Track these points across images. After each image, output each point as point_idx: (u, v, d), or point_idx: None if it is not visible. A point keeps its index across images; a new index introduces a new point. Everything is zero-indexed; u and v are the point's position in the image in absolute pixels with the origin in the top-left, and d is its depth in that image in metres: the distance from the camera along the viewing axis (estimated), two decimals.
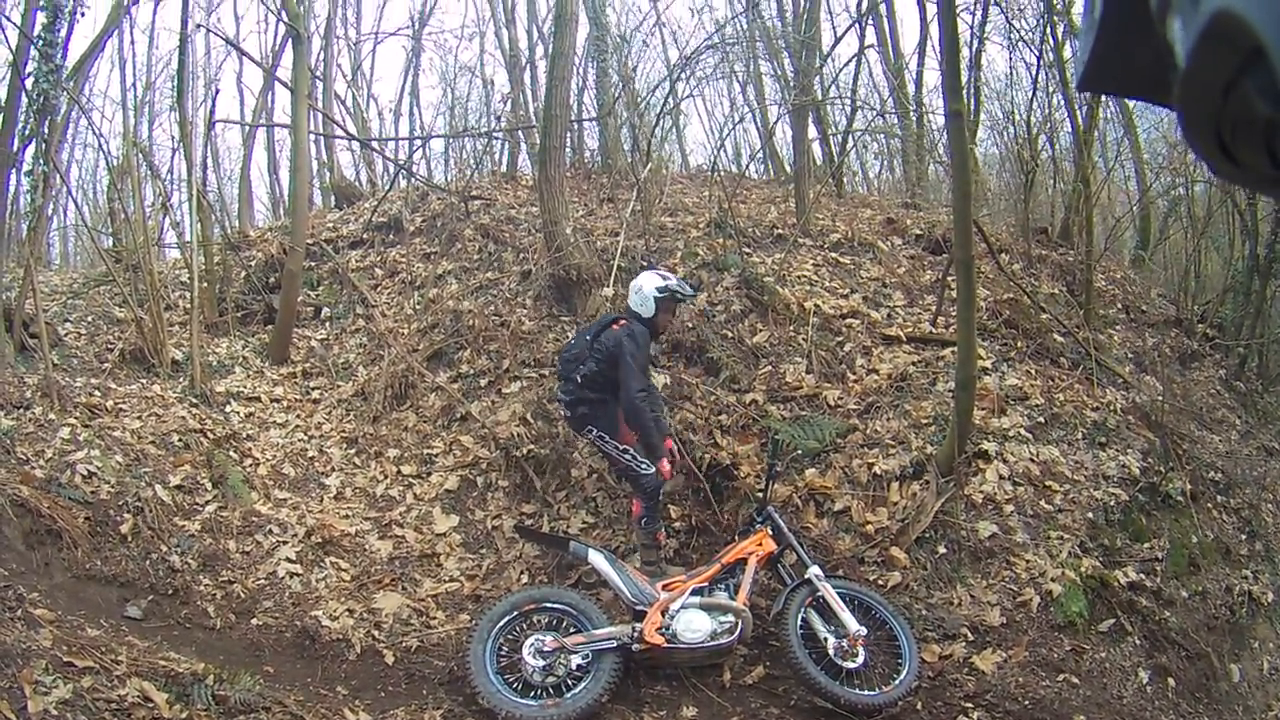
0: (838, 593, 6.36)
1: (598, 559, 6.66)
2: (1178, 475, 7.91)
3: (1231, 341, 11.52)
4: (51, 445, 7.56)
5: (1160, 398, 8.85)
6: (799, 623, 6.23)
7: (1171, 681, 6.65)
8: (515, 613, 6.38)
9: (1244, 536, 8.15)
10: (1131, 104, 14.04)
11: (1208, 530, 7.80)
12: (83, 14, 10.11)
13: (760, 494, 6.99)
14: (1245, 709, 6.99)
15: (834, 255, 10.74)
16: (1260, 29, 0.66)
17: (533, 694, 6.12)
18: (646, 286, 7.19)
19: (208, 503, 7.87)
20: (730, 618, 6.29)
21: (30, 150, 9.55)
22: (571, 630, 6.33)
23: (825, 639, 6.26)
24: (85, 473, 7.37)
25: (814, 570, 6.41)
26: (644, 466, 6.96)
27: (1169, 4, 0.79)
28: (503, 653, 6.28)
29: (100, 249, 11.82)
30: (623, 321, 7.17)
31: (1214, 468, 8.49)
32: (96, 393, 8.63)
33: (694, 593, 6.45)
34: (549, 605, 6.50)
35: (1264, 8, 0.66)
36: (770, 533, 6.71)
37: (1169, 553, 7.42)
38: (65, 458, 7.46)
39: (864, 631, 6.21)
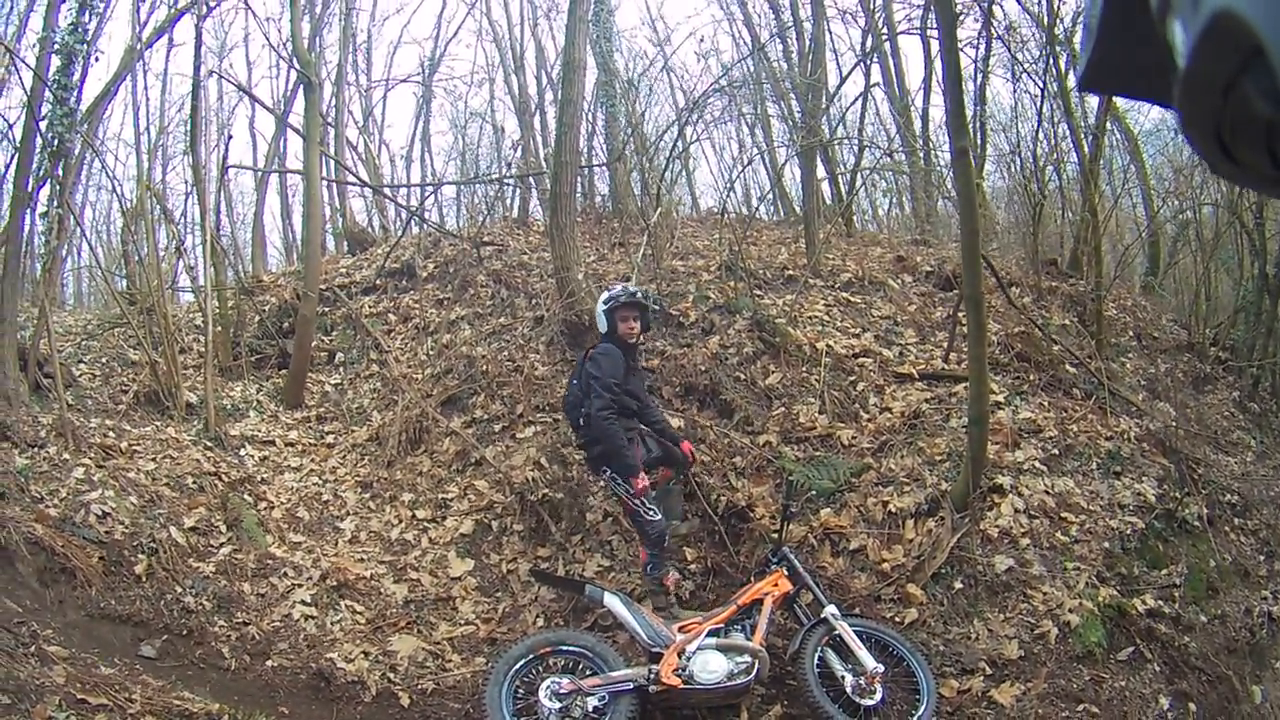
0: (854, 630, 6.32)
1: (613, 602, 6.63)
2: (1193, 500, 7.87)
3: (1244, 363, 11.55)
4: (66, 485, 7.60)
5: (1174, 423, 8.82)
6: (816, 661, 6.20)
7: (1193, 707, 6.57)
8: (531, 655, 6.35)
9: (1262, 557, 8.09)
10: (1137, 131, 14.11)
11: (1225, 553, 7.75)
12: (97, 59, 10.28)
13: (775, 535, 6.99)
14: None
15: (845, 295, 10.76)
16: (1260, 29, 0.67)
17: None
18: (598, 308, 7.36)
19: (222, 545, 7.87)
20: (747, 658, 6.24)
21: (45, 191, 9.67)
22: (588, 673, 6.29)
23: (843, 677, 6.21)
24: (99, 513, 7.40)
25: (830, 609, 6.38)
26: (650, 513, 6.96)
27: (1169, 4, 0.80)
28: (519, 695, 6.25)
29: (114, 291, 11.91)
30: (589, 354, 7.30)
31: (1230, 490, 8.44)
32: (111, 434, 8.66)
33: (710, 634, 6.38)
34: (565, 648, 6.46)
35: (1264, 7, 0.67)
36: (786, 573, 6.69)
37: (1187, 578, 7.36)
38: (79, 497, 7.49)
39: (881, 669, 6.16)
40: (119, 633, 6.71)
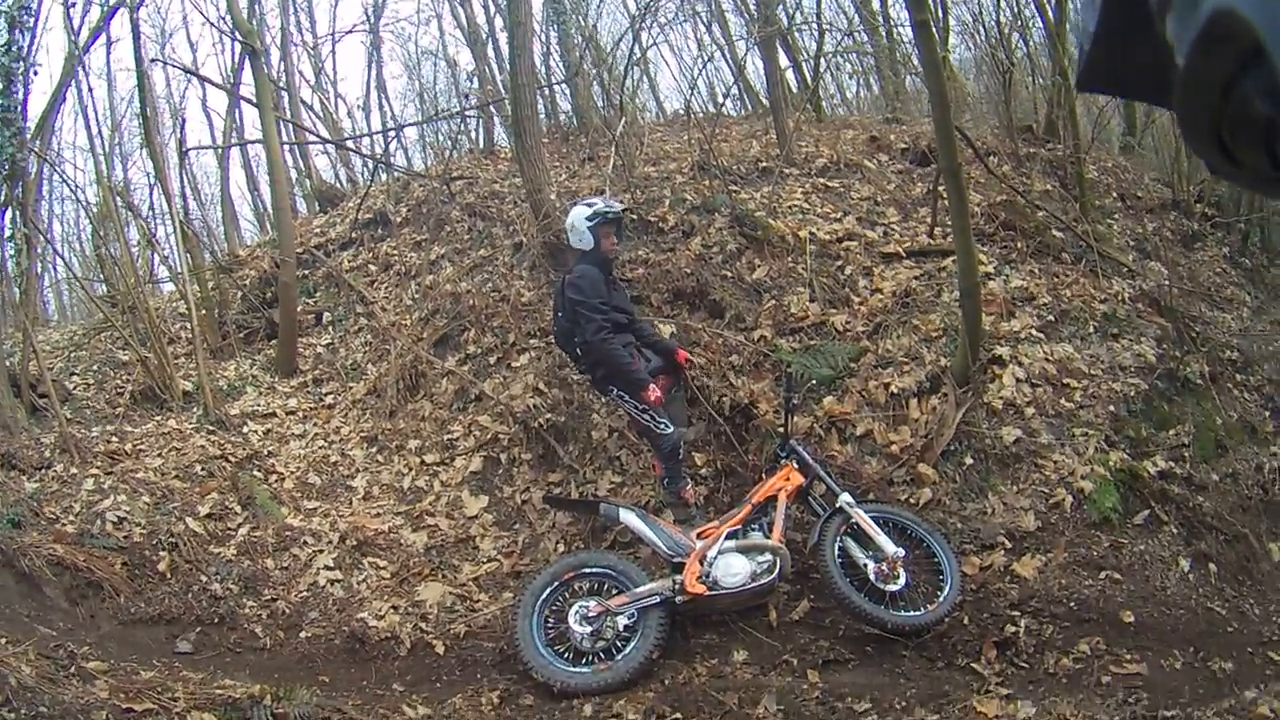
0: (871, 517, 6.36)
1: (630, 517, 6.66)
2: (1194, 358, 7.90)
3: (1232, 219, 11.48)
4: (78, 499, 7.60)
5: (1167, 282, 8.82)
6: (836, 552, 6.23)
7: (1213, 567, 6.62)
8: (556, 583, 6.42)
9: (1268, 413, 8.11)
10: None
11: (1231, 410, 7.77)
12: (36, 72, 10.08)
13: (781, 429, 6.97)
14: None
15: (822, 181, 10.69)
16: (1260, 28, 0.66)
17: (584, 661, 6.16)
18: (578, 221, 7.12)
19: (240, 525, 7.91)
20: (768, 556, 6.27)
21: (8, 215, 9.55)
22: (614, 592, 6.36)
23: (865, 565, 6.26)
24: (115, 519, 7.42)
25: (845, 498, 6.42)
26: (662, 426, 6.89)
27: (1168, 3, 0.78)
28: (549, 624, 6.34)
29: (94, 297, 11.85)
30: (568, 279, 7.13)
31: (1230, 347, 8.49)
32: (114, 438, 8.67)
33: (729, 537, 6.42)
34: (588, 570, 6.54)
35: (1263, 7, 0.66)
36: (796, 466, 6.69)
37: (1195, 437, 7.40)
38: (93, 508, 7.49)
39: (902, 553, 6.21)
40: (153, 634, 6.75)
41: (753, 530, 6.50)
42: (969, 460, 6.97)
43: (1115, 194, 11.36)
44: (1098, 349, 7.80)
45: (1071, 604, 6.09)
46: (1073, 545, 6.46)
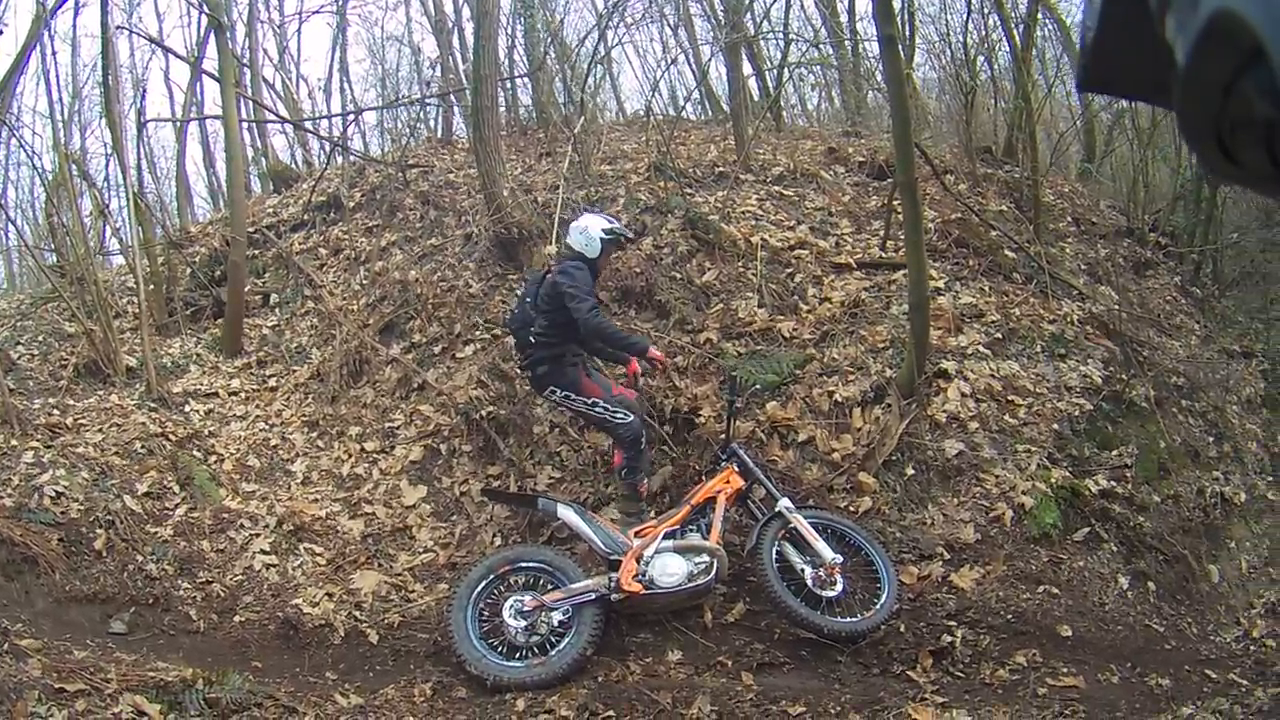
0: (810, 523, 6.39)
1: (567, 513, 6.67)
2: (1140, 382, 8.02)
3: (1185, 249, 11.70)
4: (16, 472, 7.47)
5: (1117, 306, 8.93)
6: (774, 556, 6.25)
7: (1152, 585, 6.77)
8: (491, 576, 6.43)
9: (1211, 439, 8.29)
10: (1069, 21, 14.07)
11: (1175, 434, 7.91)
12: (1, 30, 9.91)
13: (723, 434, 7.03)
14: (1228, 608, 7.12)
15: (777, 189, 10.72)
16: (1260, 28, 0.67)
17: (518, 655, 6.17)
18: (593, 228, 7.03)
19: (177, 506, 7.84)
20: (705, 558, 6.30)
21: None
22: (549, 587, 6.38)
23: (802, 570, 6.30)
24: (53, 494, 7.30)
25: (784, 503, 6.44)
26: (620, 416, 6.85)
27: (1168, 4, 0.79)
28: (484, 617, 6.34)
29: (44, 266, 11.63)
30: (551, 270, 7.06)
31: (1176, 373, 8.65)
32: (55, 411, 8.55)
33: (666, 537, 6.43)
34: (524, 565, 6.55)
35: (1263, 7, 0.67)
36: (736, 469, 6.70)
37: (1138, 458, 7.53)
38: (31, 482, 7.37)
39: (840, 559, 6.25)
40: (88, 613, 6.70)
41: (690, 531, 6.53)
42: (910, 471, 7.04)
43: (1070, 218, 11.50)
44: (1044, 368, 7.90)
45: (1009, 616, 6.18)
46: (1011, 559, 6.55)
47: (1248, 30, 0.68)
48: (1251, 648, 6.60)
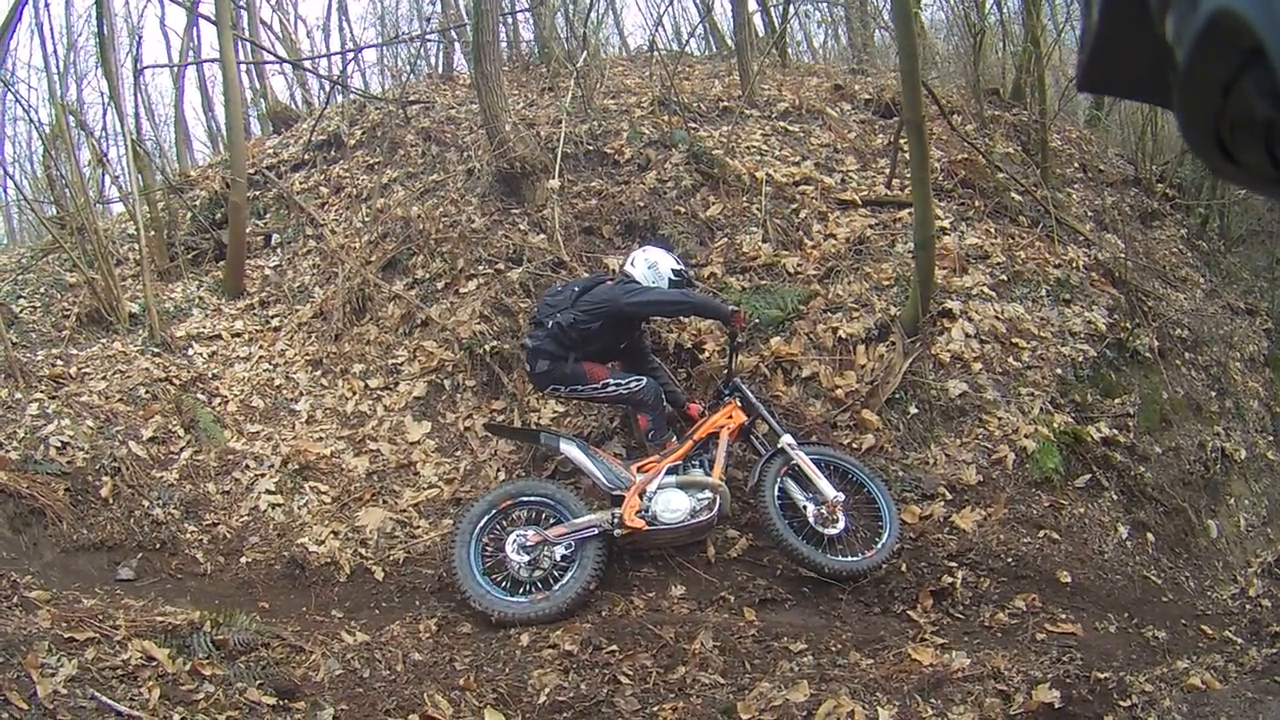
0: (812, 459, 6.42)
1: (570, 448, 6.67)
2: (1145, 331, 8.03)
3: (1192, 201, 11.62)
4: (22, 424, 7.49)
5: (1123, 254, 8.88)
6: (776, 493, 6.28)
7: (1150, 536, 6.82)
8: (494, 510, 6.45)
9: (1214, 394, 8.31)
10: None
11: (1178, 386, 7.91)
12: None
13: (725, 368, 7.07)
14: (1225, 565, 7.19)
15: (782, 124, 10.62)
16: (1259, 28, 0.66)
17: (521, 590, 6.22)
18: (663, 265, 7.01)
19: (182, 449, 7.87)
20: (708, 494, 6.32)
21: None
22: (552, 522, 6.42)
23: (804, 507, 6.34)
24: (59, 444, 7.34)
25: (786, 439, 6.46)
26: (633, 383, 6.78)
27: (1168, 3, 0.78)
28: (487, 552, 6.37)
29: (43, 218, 11.58)
30: (612, 280, 7.02)
31: (1180, 325, 8.64)
32: (59, 362, 8.54)
33: (669, 472, 6.47)
34: (526, 499, 6.58)
35: (1263, 7, 0.66)
36: (739, 404, 6.74)
37: (1140, 408, 7.54)
38: (37, 433, 7.40)
39: (842, 497, 6.28)
40: (95, 561, 6.77)
41: (693, 467, 6.58)
42: (913, 410, 7.04)
43: (1077, 164, 11.42)
44: (1049, 312, 7.88)
45: (1009, 560, 6.22)
46: (1013, 502, 6.57)
47: (1248, 30, 0.67)
48: (1247, 606, 6.68)
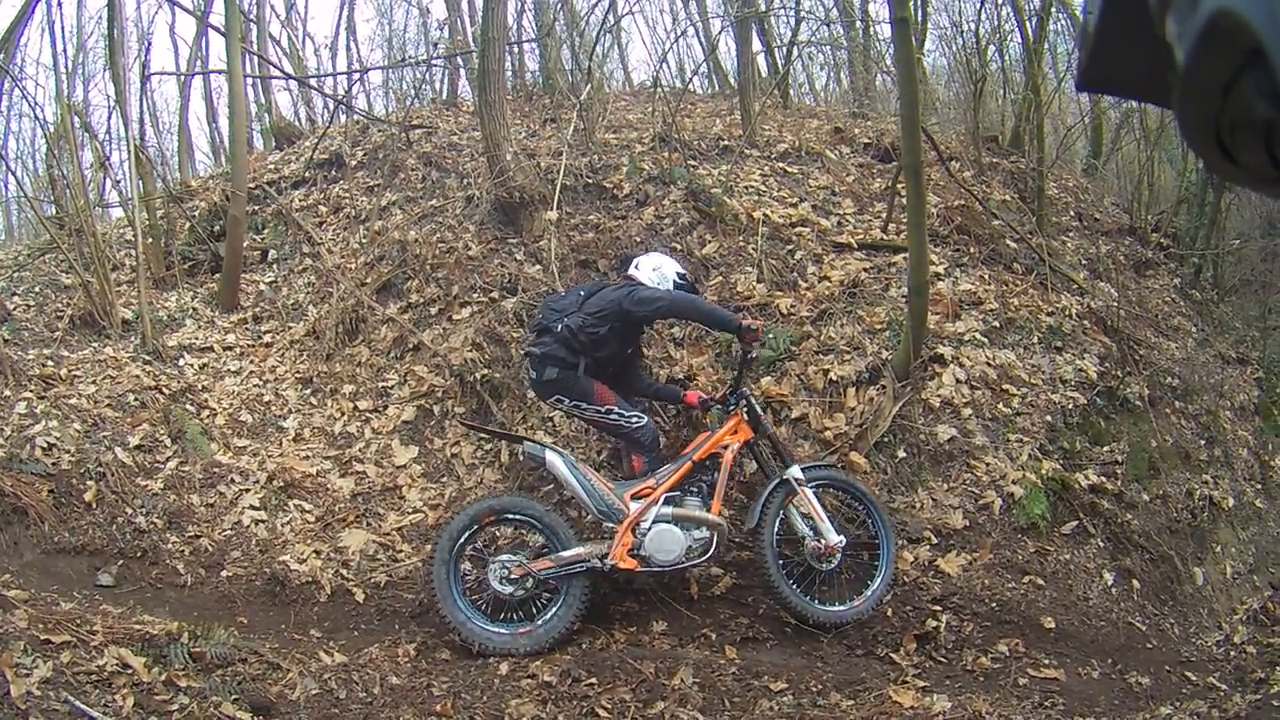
0: (823, 483, 6.43)
1: (556, 463, 6.34)
2: (1135, 380, 8.05)
3: (1186, 251, 11.71)
4: (9, 422, 7.47)
5: (1115, 303, 8.94)
6: (775, 533, 6.25)
7: (1136, 583, 6.83)
8: (475, 526, 6.28)
9: (1203, 442, 8.34)
10: (1081, 16, 14.06)
11: (1167, 435, 7.94)
12: None
13: (734, 380, 6.81)
14: (1210, 612, 7.19)
15: (781, 165, 10.65)
16: (1259, 29, 0.67)
17: (503, 615, 6.15)
18: (667, 268, 6.87)
19: (168, 459, 7.84)
20: (705, 532, 6.20)
21: None
22: (538, 544, 6.31)
23: (803, 538, 6.32)
24: (45, 445, 7.32)
25: (794, 472, 6.34)
26: (634, 420, 6.51)
27: (1168, 4, 0.79)
28: (468, 574, 6.32)
29: (43, 217, 11.57)
30: (616, 285, 6.86)
31: (1171, 374, 8.69)
32: (50, 362, 8.53)
33: (666, 501, 6.26)
34: (511, 516, 6.39)
35: (1263, 7, 0.67)
36: (745, 418, 6.55)
37: (1129, 456, 7.57)
38: (23, 432, 7.38)
39: (844, 541, 6.26)
40: (75, 565, 6.75)
41: (691, 495, 6.37)
42: (901, 454, 7.05)
43: (1073, 213, 11.49)
44: (1040, 359, 7.90)
45: (993, 604, 6.24)
46: (999, 547, 6.59)
47: (1248, 30, 0.68)
48: (1232, 653, 6.68)
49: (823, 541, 6.22)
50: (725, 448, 6.43)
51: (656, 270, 6.84)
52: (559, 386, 6.52)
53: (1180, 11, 0.76)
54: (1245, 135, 0.75)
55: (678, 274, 6.86)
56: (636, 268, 6.92)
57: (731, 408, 6.59)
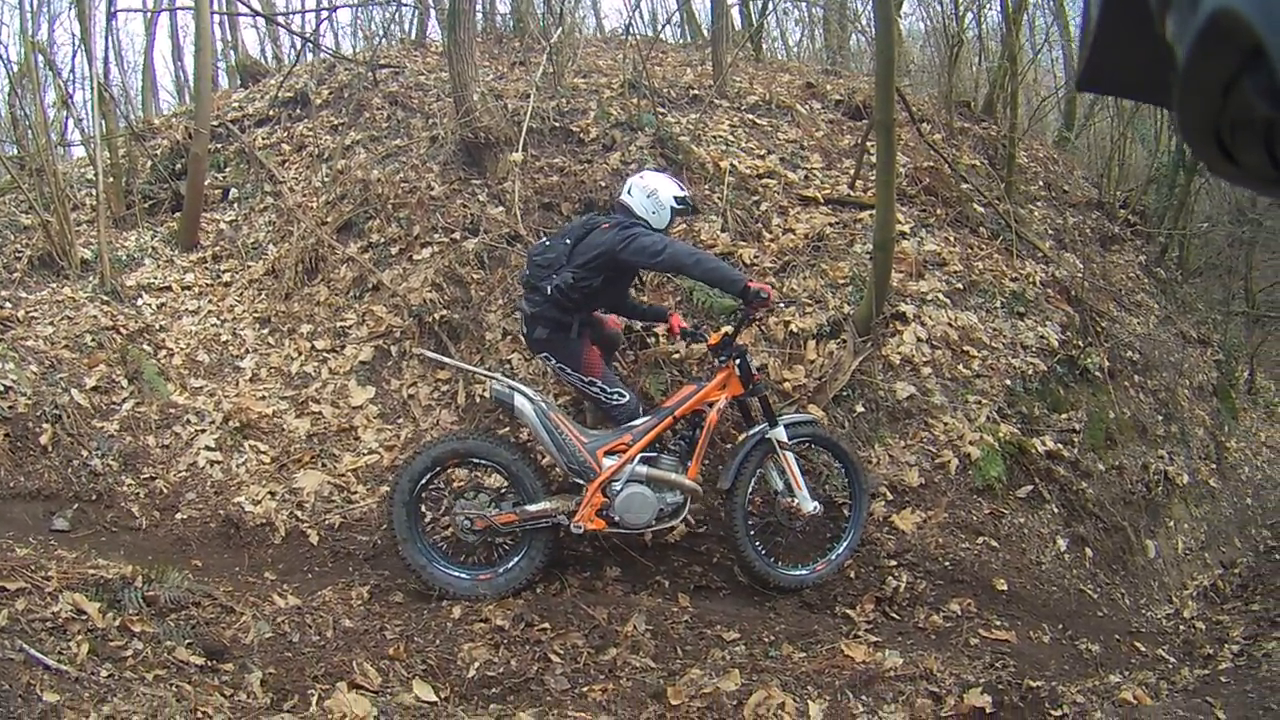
0: (805, 437, 6.27)
1: (525, 408, 5.98)
2: (1096, 350, 8.14)
3: (1153, 229, 11.84)
4: None
5: (1080, 274, 9.00)
6: (751, 487, 6.17)
7: (1089, 551, 6.94)
8: (437, 469, 6.13)
9: (1160, 417, 8.46)
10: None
11: (1125, 407, 8.04)
12: None
13: (730, 333, 6.22)
14: (1161, 585, 7.32)
15: (751, 117, 10.62)
16: (1259, 28, 0.66)
17: (463, 559, 6.15)
18: (663, 193, 6.18)
19: (124, 400, 7.80)
20: (679, 496, 6.02)
21: None
22: (504, 492, 6.14)
23: (777, 492, 6.24)
24: (1, 388, 7.25)
25: (779, 433, 6.11)
26: (616, 398, 6.16)
27: (1168, 3, 0.78)
28: (426, 516, 6.29)
29: (3, 158, 11.37)
30: (608, 225, 6.08)
31: (1132, 348, 8.79)
32: (7, 304, 8.45)
33: (641, 460, 5.98)
34: (475, 460, 6.16)
35: (1263, 7, 0.65)
36: (738, 372, 6.12)
37: (1086, 425, 7.65)
38: None
39: (819, 509, 6.14)
40: (30, 510, 6.72)
41: (668, 453, 6.12)
42: (860, 409, 7.05)
43: (1042, 183, 11.57)
44: (1002, 324, 7.94)
45: (946, 563, 6.30)
46: (954, 507, 6.63)
47: (1248, 30, 0.66)
48: (1181, 627, 6.82)
49: (795, 503, 6.09)
50: (710, 405, 6.12)
51: (651, 196, 6.18)
52: (548, 345, 6.19)
53: (1180, 11, 0.75)
54: (1245, 135, 0.74)
55: (675, 198, 6.21)
56: (629, 192, 6.26)
57: (724, 359, 6.17)
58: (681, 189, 6.34)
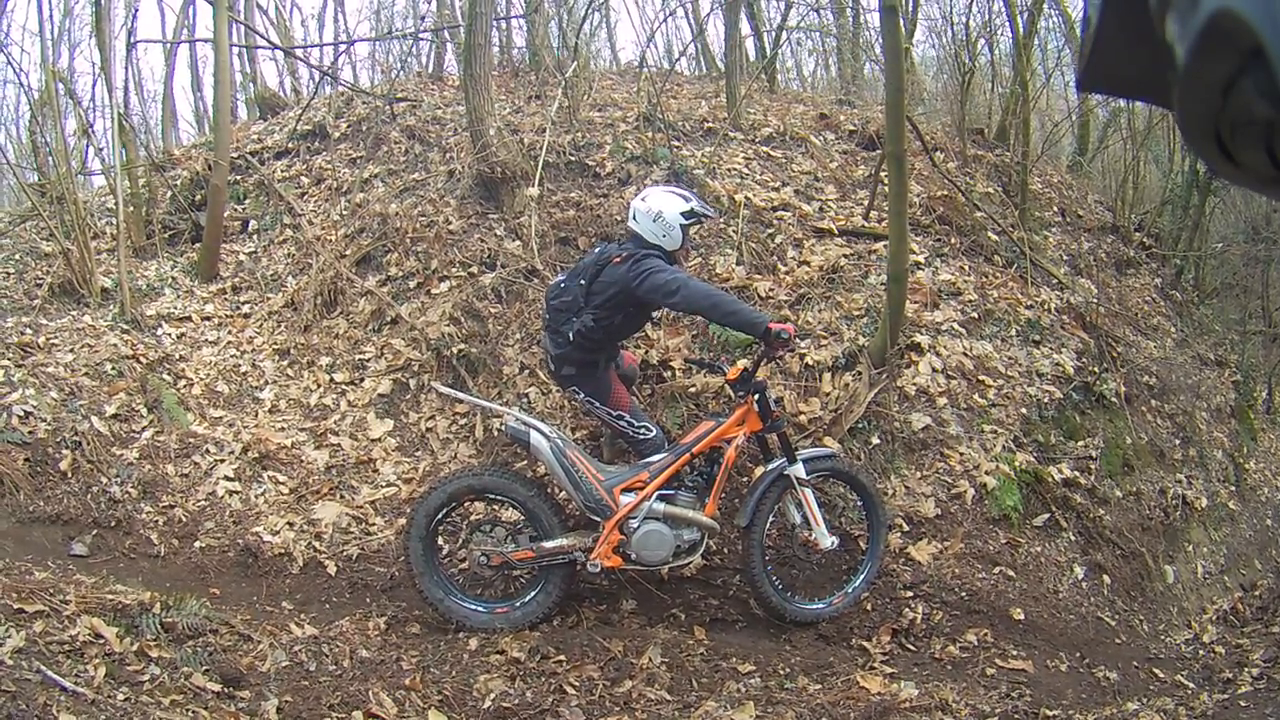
0: (829, 471, 6.26)
1: (541, 446, 5.88)
2: (1112, 376, 8.10)
3: (1169, 252, 11.77)
4: None
5: (1095, 299, 8.98)
6: (769, 522, 6.17)
7: (1107, 579, 6.89)
8: (453, 504, 6.10)
9: (1178, 441, 8.40)
10: (1073, 12, 14.07)
11: (1141, 433, 7.99)
12: None
13: (750, 369, 6.10)
14: (1180, 610, 7.26)
15: (765, 149, 10.60)
16: (1260, 28, 0.67)
17: (480, 592, 6.17)
18: (669, 212, 5.92)
19: (144, 428, 7.84)
20: (695, 534, 5.96)
21: None
22: (520, 527, 6.09)
23: (796, 525, 6.22)
24: (22, 413, 7.31)
25: (797, 471, 6.02)
26: (643, 432, 6.09)
27: (1168, 3, 0.79)
28: (443, 549, 6.28)
29: (24, 184, 11.48)
30: (619, 258, 5.87)
31: (1149, 372, 8.73)
32: (28, 330, 8.49)
33: (659, 498, 5.90)
34: (491, 496, 6.15)
35: (1263, 7, 0.67)
36: (756, 408, 6.00)
37: (1103, 452, 7.61)
38: (1, 401, 7.38)
39: (836, 545, 6.13)
40: (50, 534, 6.78)
41: (685, 490, 6.01)
42: (875, 440, 7.05)
43: (1056, 208, 11.48)
44: (1017, 352, 7.91)
45: (963, 594, 6.28)
46: (970, 537, 6.61)
47: (1248, 30, 0.68)
48: (1200, 652, 6.74)
49: (813, 538, 6.06)
50: (729, 441, 6.00)
51: (658, 220, 5.94)
52: (577, 381, 6.12)
53: (1180, 11, 0.76)
54: (1245, 135, 0.75)
55: (682, 213, 5.94)
56: (634, 219, 6.04)
57: (742, 395, 6.03)
58: (688, 199, 6.06)
